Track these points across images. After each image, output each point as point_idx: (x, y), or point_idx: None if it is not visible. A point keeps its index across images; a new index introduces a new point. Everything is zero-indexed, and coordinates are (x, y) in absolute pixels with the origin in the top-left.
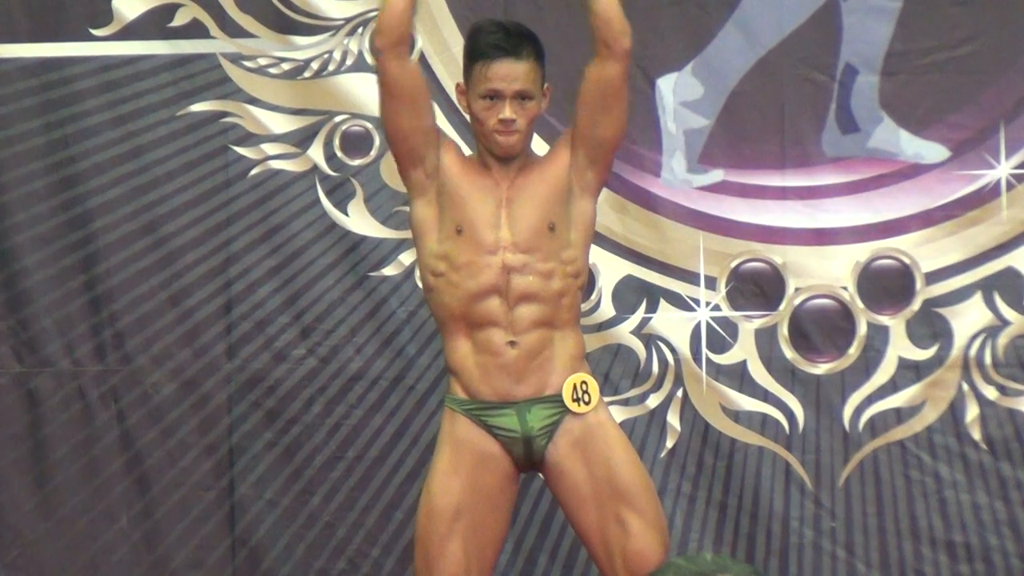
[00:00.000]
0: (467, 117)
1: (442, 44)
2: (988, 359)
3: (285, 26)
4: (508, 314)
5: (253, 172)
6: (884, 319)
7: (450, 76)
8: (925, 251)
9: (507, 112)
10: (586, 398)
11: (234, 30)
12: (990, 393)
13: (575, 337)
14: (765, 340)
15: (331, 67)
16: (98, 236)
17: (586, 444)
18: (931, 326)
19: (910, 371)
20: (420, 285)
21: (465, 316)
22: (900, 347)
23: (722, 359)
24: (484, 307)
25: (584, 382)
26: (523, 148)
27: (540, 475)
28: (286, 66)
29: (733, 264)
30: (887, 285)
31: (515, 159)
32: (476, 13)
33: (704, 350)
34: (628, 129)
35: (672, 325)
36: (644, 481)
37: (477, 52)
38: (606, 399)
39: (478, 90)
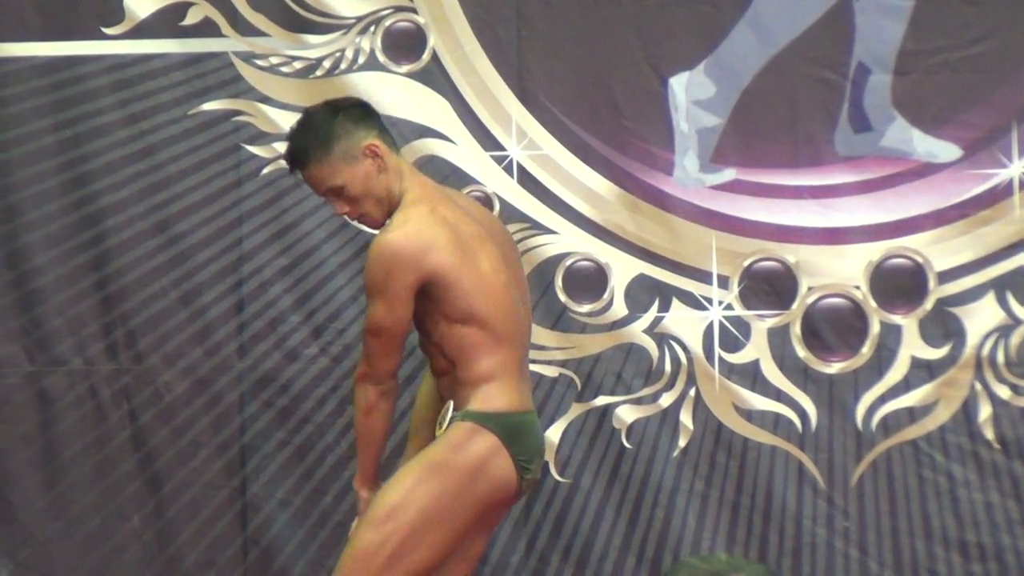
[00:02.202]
0: None
1: (454, 43)
2: (1001, 358)
3: (297, 25)
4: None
5: (265, 171)
6: (897, 318)
7: (461, 74)
8: (938, 250)
9: (336, 209)
10: (442, 422)
11: (246, 29)
12: (1003, 392)
13: (465, 367)
14: (778, 339)
15: (343, 66)
16: (109, 235)
17: None
18: (944, 325)
19: (923, 370)
20: None
21: None
22: (913, 346)
23: (735, 358)
24: None
25: (446, 409)
26: (386, 212)
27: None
28: (298, 65)
29: (746, 263)
30: (900, 284)
31: None
32: (489, 12)
33: (717, 349)
34: (641, 127)
35: (685, 324)
36: (374, 507)
37: None
38: (618, 398)
39: None
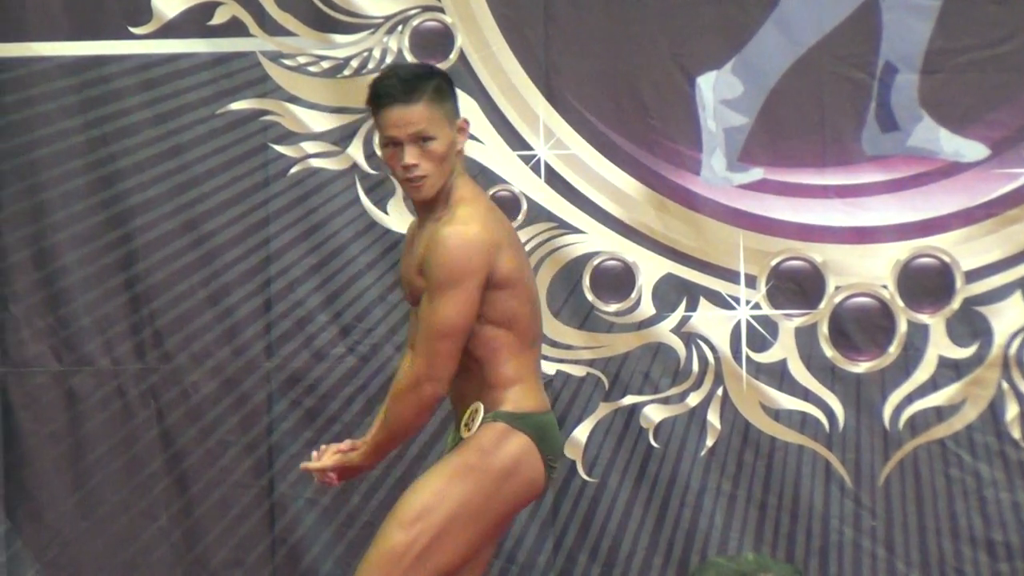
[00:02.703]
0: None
1: (482, 42)
2: None
3: (325, 24)
4: None
5: (292, 170)
6: (924, 317)
7: (489, 74)
8: (965, 249)
9: (407, 158)
10: (471, 424)
11: (273, 28)
12: None
13: (493, 368)
14: (805, 339)
15: (371, 65)
16: (137, 234)
17: None
18: (971, 324)
19: (950, 370)
20: None
21: None
22: (940, 346)
23: (762, 358)
24: None
25: (475, 410)
26: (438, 190)
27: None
28: (326, 64)
29: (773, 262)
30: (927, 283)
31: (436, 206)
32: (516, 12)
33: (744, 348)
34: (668, 127)
35: (712, 323)
36: (403, 507)
37: (373, 101)
38: (646, 397)
39: (380, 138)
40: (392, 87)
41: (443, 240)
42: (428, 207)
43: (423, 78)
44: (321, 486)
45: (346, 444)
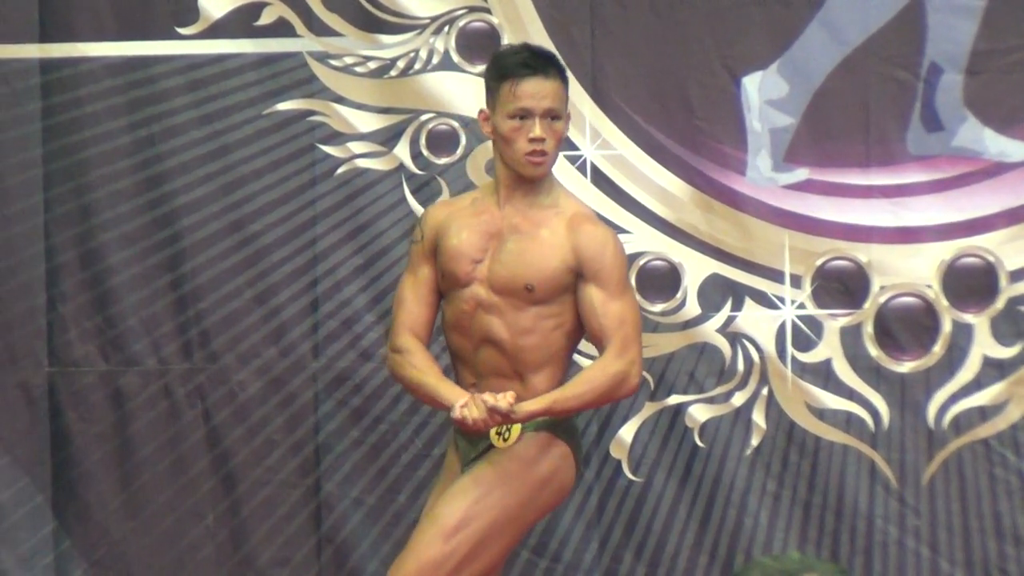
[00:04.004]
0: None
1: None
2: None
3: (371, 25)
4: (472, 354)
5: (339, 171)
6: (968, 317)
7: None
8: (1009, 249)
9: (537, 130)
10: (506, 434)
11: (320, 29)
12: None
13: (543, 379)
14: (850, 338)
15: (417, 66)
16: (184, 235)
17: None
18: (1015, 324)
19: (994, 369)
20: None
21: (448, 345)
22: (984, 345)
23: (807, 357)
24: (454, 341)
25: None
26: (547, 171)
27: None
28: (372, 65)
29: (818, 262)
30: (971, 283)
31: (537, 191)
32: (562, 12)
33: (789, 348)
34: (714, 127)
35: (757, 323)
36: (443, 515)
37: (504, 72)
38: (691, 397)
39: (507, 110)
40: (530, 60)
41: (610, 238)
42: (525, 190)
43: (555, 58)
44: (463, 427)
45: (513, 395)
